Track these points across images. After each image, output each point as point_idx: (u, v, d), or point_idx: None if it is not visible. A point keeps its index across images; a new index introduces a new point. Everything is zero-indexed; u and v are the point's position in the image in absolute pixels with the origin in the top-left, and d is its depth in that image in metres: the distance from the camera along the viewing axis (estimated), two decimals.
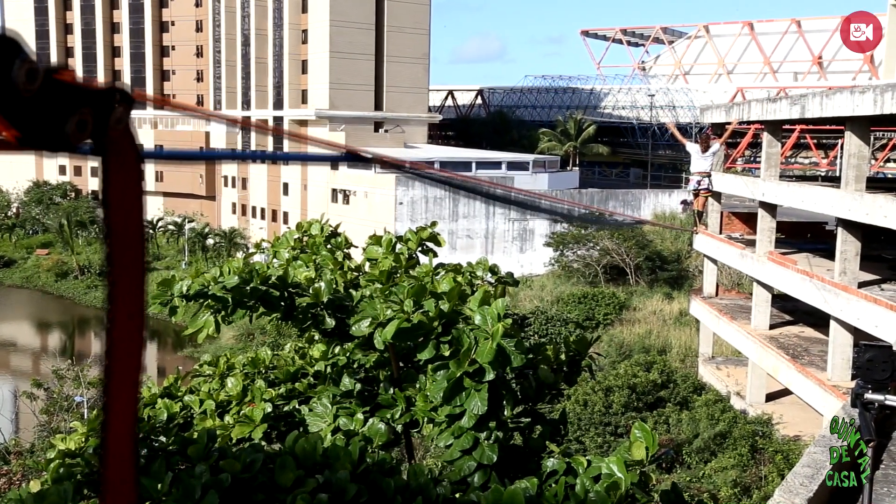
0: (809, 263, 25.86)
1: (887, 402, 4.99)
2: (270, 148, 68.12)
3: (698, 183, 16.39)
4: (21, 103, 0.86)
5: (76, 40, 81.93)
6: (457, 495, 5.09)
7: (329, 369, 6.72)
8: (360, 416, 5.97)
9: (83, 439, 5.64)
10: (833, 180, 34.15)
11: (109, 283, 0.99)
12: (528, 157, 61.55)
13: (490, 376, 5.11)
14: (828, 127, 51.62)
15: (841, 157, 37.67)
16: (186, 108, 1.29)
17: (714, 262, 33.03)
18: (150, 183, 75.03)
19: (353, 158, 1.42)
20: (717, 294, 33.73)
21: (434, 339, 5.42)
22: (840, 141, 51.31)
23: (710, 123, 32.09)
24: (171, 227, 68.58)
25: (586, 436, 25.39)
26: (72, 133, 0.91)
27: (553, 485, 4.93)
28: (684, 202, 19.81)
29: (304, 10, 66.13)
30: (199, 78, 78.15)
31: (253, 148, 70.02)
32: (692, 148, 16.43)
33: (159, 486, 4.54)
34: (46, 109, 0.89)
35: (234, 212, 72.03)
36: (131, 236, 1.00)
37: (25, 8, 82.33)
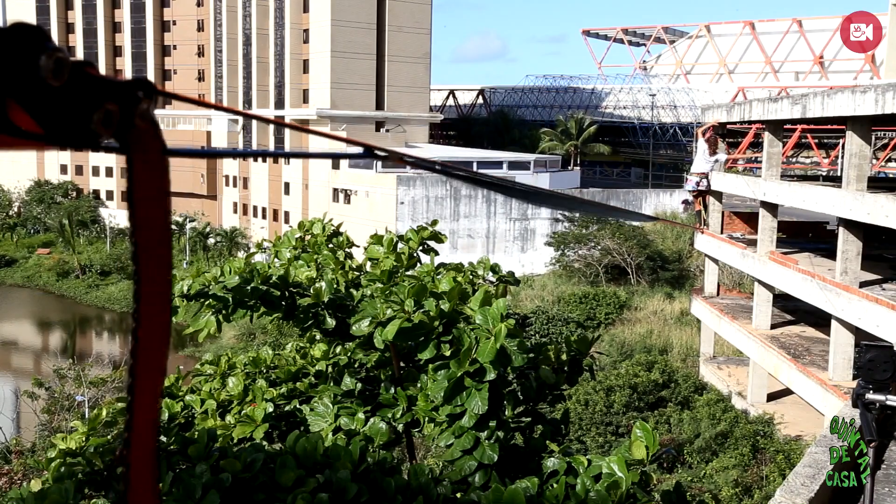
0: (811, 263, 25.85)
1: (888, 403, 4.99)
2: (271, 148, 68.16)
3: (697, 184, 16.42)
4: (47, 96, 0.84)
5: (78, 39, 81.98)
6: (457, 495, 5.09)
7: (330, 369, 6.73)
8: (361, 415, 5.97)
9: (84, 438, 5.64)
10: (834, 180, 34.14)
11: (137, 281, 0.98)
12: (529, 157, 61.56)
13: (491, 376, 5.11)
14: (829, 127, 51.60)
15: (842, 157, 37.65)
16: (222, 108, 1.29)
17: (715, 261, 33.02)
18: None
19: (369, 155, 1.41)
20: (718, 294, 33.72)
21: (435, 338, 5.42)
22: (841, 141, 51.30)
23: (697, 125, 32.05)
24: (172, 226, 68.57)
25: (587, 435, 25.39)
26: (98, 127, 0.89)
27: (554, 484, 4.93)
28: (685, 202, 19.85)
29: (306, 9, 66.13)
30: (201, 77, 78.18)
31: (254, 146, 70.09)
32: (701, 145, 16.49)
33: (160, 485, 4.53)
34: (73, 103, 0.86)
35: (235, 211, 72.07)
36: (158, 232, 0.99)
37: (27, 7, 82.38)
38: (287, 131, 66.50)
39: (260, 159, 70.03)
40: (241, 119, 70.61)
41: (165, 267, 1.01)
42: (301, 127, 1.42)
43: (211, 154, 1.41)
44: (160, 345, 1.00)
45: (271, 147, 68.41)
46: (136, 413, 0.98)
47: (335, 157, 1.80)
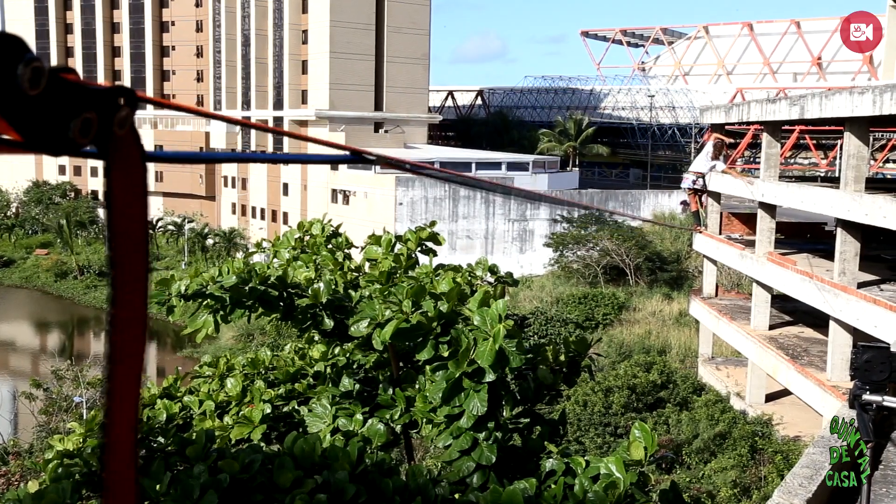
0: (809, 264, 25.86)
1: (885, 404, 4.99)
2: (270, 148, 68.12)
3: (693, 182, 16.42)
4: (25, 105, 0.85)
5: (76, 40, 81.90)
6: (456, 496, 5.09)
7: (329, 370, 6.73)
8: (359, 416, 5.97)
9: (81, 440, 5.64)
10: (832, 181, 34.17)
11: (112, 286, 0.99)
12: (527, 158, 61.56)
13: (490, 377, 5.12)
14: (827, 128, 51.63)
15: (840, 158, 37.66)
16: (203, 113, 1.30)
17: (714, 262, 33.04)
18: (150, 183, 74.76)
19: (359, 160, 1.42)
20: (716, 294, 33.74)
21: (433, 339, 5.43)
22: (839, 141, 51.34)
23: (710, 125, 32.08)
24: (170, 227, 68.57)
25: (586, 436, 25.39)
26: (76, 135, 0.90)
27: (552, 485, 4.93)
28: (684, 202, 19.86)
29: (305, 10, 66.13)
30: (200, 78, 78.14)
31: (253, 148, 70.06)
32: (707, 147, 16.49)
33: (158, 486, 4.54)
34: (50, 111, 0.88)
35: (233, 212, 72.03)
36: (135, 239, 1.00)
37: (25, 7, 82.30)
38: (299, 135, 66.45)
39: (261, 160, 70.01)
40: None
41: (142, 272, 1.01)
42: (285, 132, 1.42)
43: (194, 159, 1.41)
44: (137, 349, 1.01)
45: (270, 148, 68.32)
46: (113, 418, 0.98)
47: (321, 162, 1.80)
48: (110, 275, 0.98)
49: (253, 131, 70.38)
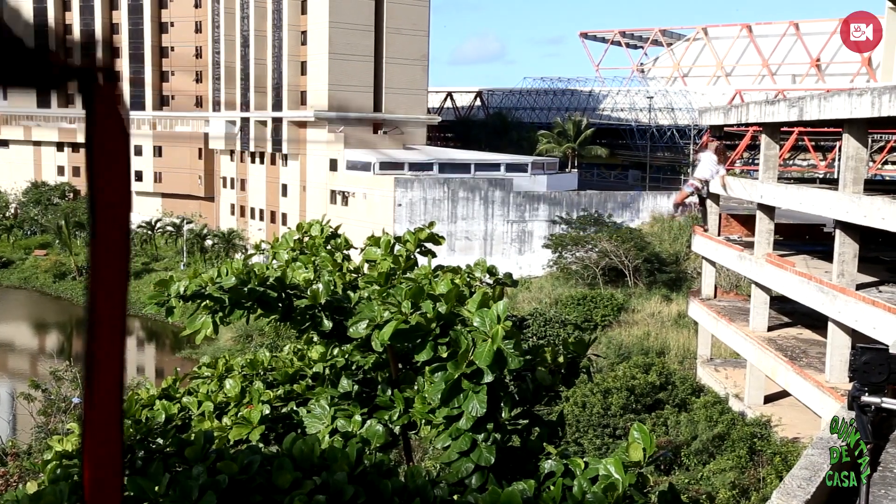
0: (807, 265, 25.88)
1: (884, 405, 4.99)
2: (270, 149, 68.14)
3: (698, 189, 16.34)
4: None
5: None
6: (454, 497, 5.09)
7: (327, 371, 6.73)
8: (358, 417, 5.97)
9: (80, 441, 5.63)
10: (831, 182, 34.20)
11: (92, 266, 0.96)
12: (526, 159, 61.58)
13: (488, 378, 5.12)
14: (826, 129, 51.69)
15: (839, 160, 37.69)
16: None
17: (712, 263, 33.05)
18: (148, 184, 75.12)
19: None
20: (715, 296, 33.75)
21: (432, 340, 5.43)
22: (838, 143, 51.39)
23: (708, 126, 32.10)
24: (169, 228, 68.53)
25: (585, 437, 25.40)
26: (59, 70, 0.95)
27: (551, 486, 4.93)
28: (677, 206, 19.70)
29: (304, 11, 66.13)
30: (199, 79, 78.11)
31: (252, 149, 70.07)
32: (709, 154, 16.43)
33: (156, 487, 4.53)
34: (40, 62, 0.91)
35: (232, 213, 72.00)
36: (118, 217, 0.98)
37: (24, 8, 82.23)
38: (285, 133, 66.48)
39: (258, 161, 69.99)
40: (238, 120, 70.53)
41: (124, 263, 1.00)
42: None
43: None
44: (119, 331, 1.00)
45: (269, 148, 68.29)
46: (95, 408, 0.97)
47: None
48: (91, 253, 0.97)
49: (251, 131, 70.37)
